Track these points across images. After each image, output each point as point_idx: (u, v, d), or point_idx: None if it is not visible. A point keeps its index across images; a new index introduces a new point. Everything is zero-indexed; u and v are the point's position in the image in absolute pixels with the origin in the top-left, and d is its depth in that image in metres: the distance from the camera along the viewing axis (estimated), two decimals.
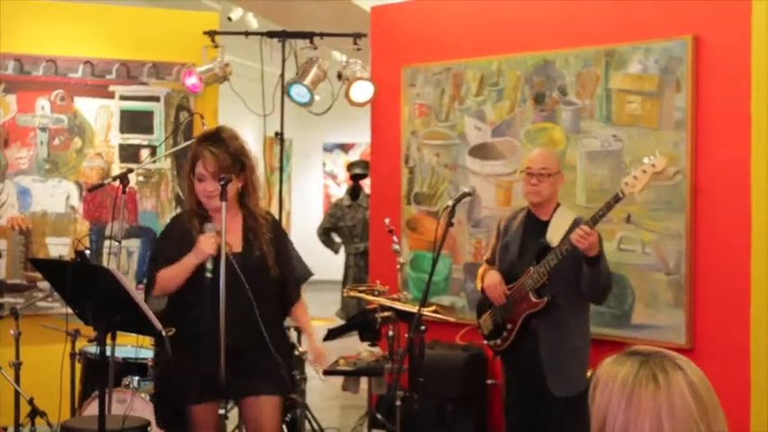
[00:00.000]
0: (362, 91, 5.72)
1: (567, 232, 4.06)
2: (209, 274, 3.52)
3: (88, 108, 5.82)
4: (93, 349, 4.62)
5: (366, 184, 7.61)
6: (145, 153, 5.85)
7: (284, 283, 3.81)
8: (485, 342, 4.39)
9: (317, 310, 7.52)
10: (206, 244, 3.54)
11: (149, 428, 4.04)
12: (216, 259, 3.52)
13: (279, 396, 3.76)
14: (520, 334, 4.16)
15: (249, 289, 3.56)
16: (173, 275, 3.63)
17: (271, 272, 3.72)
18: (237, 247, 3.68)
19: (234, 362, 3.56)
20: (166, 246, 3.75)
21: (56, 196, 5.75)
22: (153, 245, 3.86)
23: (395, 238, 4.90)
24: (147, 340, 4.52)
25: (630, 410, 1.56)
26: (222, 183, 3.52)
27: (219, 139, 3.65)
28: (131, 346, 4.51)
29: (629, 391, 1.57)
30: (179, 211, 5.88)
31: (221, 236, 3.51)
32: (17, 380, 4.73)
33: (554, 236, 4.10)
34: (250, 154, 3.75)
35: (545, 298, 4.06)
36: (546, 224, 4.18)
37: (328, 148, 15.39)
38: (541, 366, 4.05)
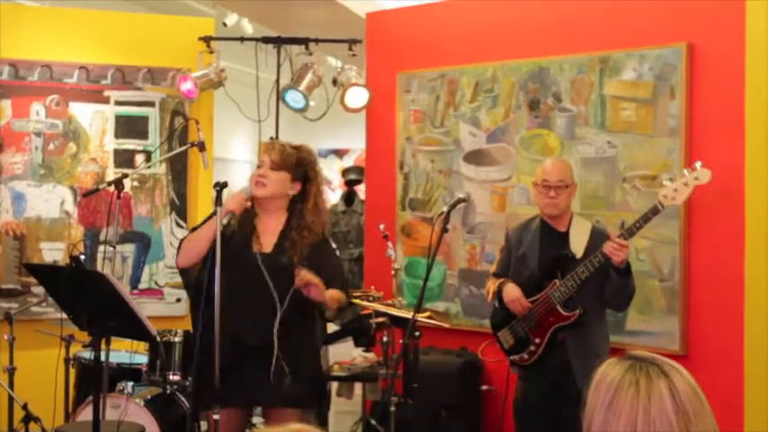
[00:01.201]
0: (357, 97, 5.73)
1: (589, 243, 4.04)
2: (219, 229, 3.49)
3: (83, 113, 5.81)
4: (87, 354, 4.63)
5: (361, 189, 7.61)
6: (140, 158, 5.84)
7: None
8: (509, 357, 4.32)
9: None
10: (230, 199, 3.60)
11: None
12: (234, 215, 3.61)
13: (296, 408, 3.66)
14: (548, 347, 4.13)
15: (276, 291, 3.56)
16: (195, 236, 3.65)
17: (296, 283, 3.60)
18: (268, 247, 3.69)
19: (251, 365, 3.55)
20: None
21: (50, 201, 5.74)
22: None
23: (389, 244, 4.90)
24: (142, 345, 4.53)
25: (609, 412, 1.59)
26: (217, 189, 3.53)
27: (296, 145, 3.79)
28: (126, 352, 4.52)
29: (611, 393, 1.60)
30: (173, 216, 5.89)
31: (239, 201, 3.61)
32: (11, 385, 4.71)
33: (577, 247, 4.07)
34: (318, 176, 3.79)
35: (577, 311, 4.02)
36: (564, 235, 4.15)
37: (323, 154, 15.38)
38: (573, 378, 3.96)
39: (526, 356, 4.20)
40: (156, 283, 5.90)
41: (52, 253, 5.73)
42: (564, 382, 4.01)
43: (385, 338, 4.71)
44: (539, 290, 4.13)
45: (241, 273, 3.60)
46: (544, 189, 4.12)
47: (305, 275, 3.49)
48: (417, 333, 4.02)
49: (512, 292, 4.18)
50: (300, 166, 3.73)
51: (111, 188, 4.33)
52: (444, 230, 3.84)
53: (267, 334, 3.57)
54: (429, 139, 5.55)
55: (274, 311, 3.55)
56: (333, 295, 3.63)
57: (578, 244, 4.08)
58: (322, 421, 5.13)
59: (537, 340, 4.15)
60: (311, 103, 5.85)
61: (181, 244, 3.76)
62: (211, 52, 5.85)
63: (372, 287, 4.91)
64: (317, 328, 3.80)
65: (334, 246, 3.89)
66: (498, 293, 4.25)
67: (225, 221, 3.55)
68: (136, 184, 5.85)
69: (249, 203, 3.65)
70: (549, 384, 4.12)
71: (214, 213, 3.57)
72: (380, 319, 4.63)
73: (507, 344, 4.29)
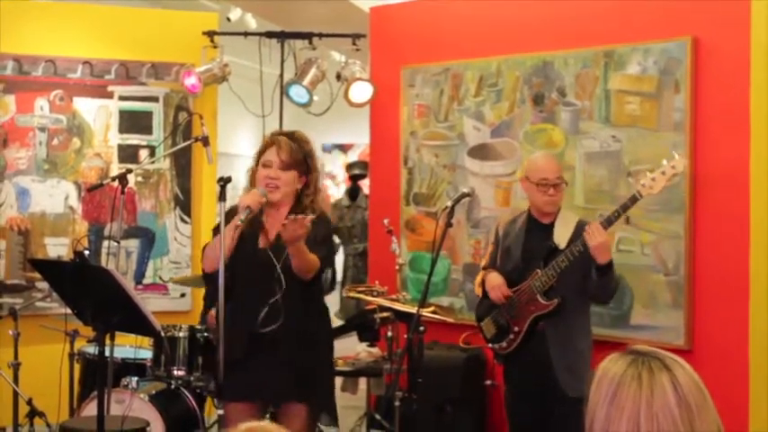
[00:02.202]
0: (361, 91, 5.72)
1: (573, 234, 4.04)
2: (239, 222, 3.49)
3: (87, 108, 5.82)
4: (91, 349, 4.63)
5: (365, 184, 7.62)
6: (144, 153, 5.85)
7: None
8: (488, 346, 4.34)
9: None
10: (246, 196, 3.59)
11: (148, 429, 4.05)
12: (251, 210, 3.56)
13: (305, 404, 3.62)
14: (527, 336, 4.13)
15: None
16: (215, 242, 3.59)
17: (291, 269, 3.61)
18: (272, 238, 3.67)
19: (263, 360, 3.54)
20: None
21: (55, 196, 5.75)
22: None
23: (394, 239, 4.90)
24: (146, 341, 4.53)
25: (612, 408, 1.59)
26: (221, 184, 3.52)
27: (295, 137, 3.76)
28: (130, 347, 4.53)
29: (613, 388, 1.60)
30: (178, 211, 5.90)
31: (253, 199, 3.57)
32: (16, 380, 4.73)
33: (560, 238, 4.07)
34: (315, 162, 3.80)
35: (555, 300, 4.01)
36: (549, 227, 4.14)
37: (327, 149, 15.38)
38: (551, 368, 4.00)
39: (505, 345, 4.19)
40: (160, 278, 5.91)
41: (56, 248, 5.74)
42: (543, 371, 4.02)
43: (389, 333, 4.70)
44: (523, 281, 4.13)
45: (251, 270, 3.60)
46: (543, 187, 4.10)
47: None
48: (422, 328, 4.02)
49: (493, 280, 4.18)
50: (305, 162, 3.74)
51: (116, 183, 4.34)
52: (449, 225, 3.83)
53: (281, 331, 3.55)
54: (433, 134, 5.55)
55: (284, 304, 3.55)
56: (309, 256, 3.55)
57: (562, 235, 4.08)
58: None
59: (516, 329, 4.15)
60: (315, 98, 5.85)
61: (204, 252, 3.75)
62: (215, 47, 5.85)
63: (377, 282, 4.90)
64: (320, 325, 3.78)
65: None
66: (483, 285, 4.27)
67: (242, 217, 3.55)
68: (140, 179, 5.86)
69: (264, 200, 3.65)
70: (530, 374, 4.12)
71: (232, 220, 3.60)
72: (385, 314, 4.63)
73: (489, 333, 4.29)
